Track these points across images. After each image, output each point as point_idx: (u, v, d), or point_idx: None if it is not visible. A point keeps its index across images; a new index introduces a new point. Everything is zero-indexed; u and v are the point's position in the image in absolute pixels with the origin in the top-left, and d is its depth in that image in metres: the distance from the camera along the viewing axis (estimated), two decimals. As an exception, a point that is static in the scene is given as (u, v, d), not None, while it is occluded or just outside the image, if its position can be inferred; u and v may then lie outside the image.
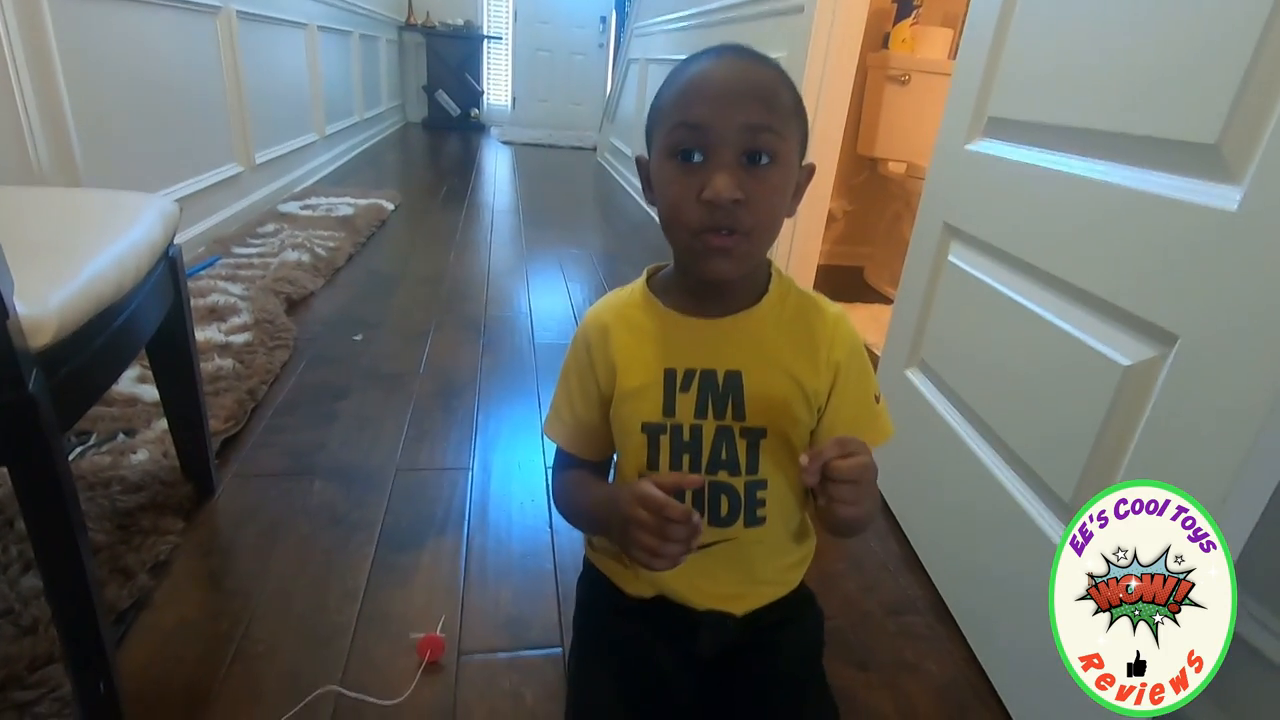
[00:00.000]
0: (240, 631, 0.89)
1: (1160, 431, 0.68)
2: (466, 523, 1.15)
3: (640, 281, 0.62)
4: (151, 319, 0.87)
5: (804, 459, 0.47)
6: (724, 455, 0.58)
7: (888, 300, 2.57)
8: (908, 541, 1.18)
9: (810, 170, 0.57)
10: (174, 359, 1.02)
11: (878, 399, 0.61)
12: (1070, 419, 0.79)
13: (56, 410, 0.62)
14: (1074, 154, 0.84)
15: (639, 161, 0.58)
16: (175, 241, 0.96)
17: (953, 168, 1.11)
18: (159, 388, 1.07)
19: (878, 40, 2.61)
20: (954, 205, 1.10)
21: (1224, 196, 0.61)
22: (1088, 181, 0.79)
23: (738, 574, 0.63)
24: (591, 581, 0.72)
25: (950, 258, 1.10)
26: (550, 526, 1.15)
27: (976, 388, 1.02)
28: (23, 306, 0.59)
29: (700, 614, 0.64)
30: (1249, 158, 0.59)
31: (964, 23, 2.91)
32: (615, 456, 0.65)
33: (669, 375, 0.58)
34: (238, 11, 2.63)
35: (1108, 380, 0.73)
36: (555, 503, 0.69)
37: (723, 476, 0.58)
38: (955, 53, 2.57)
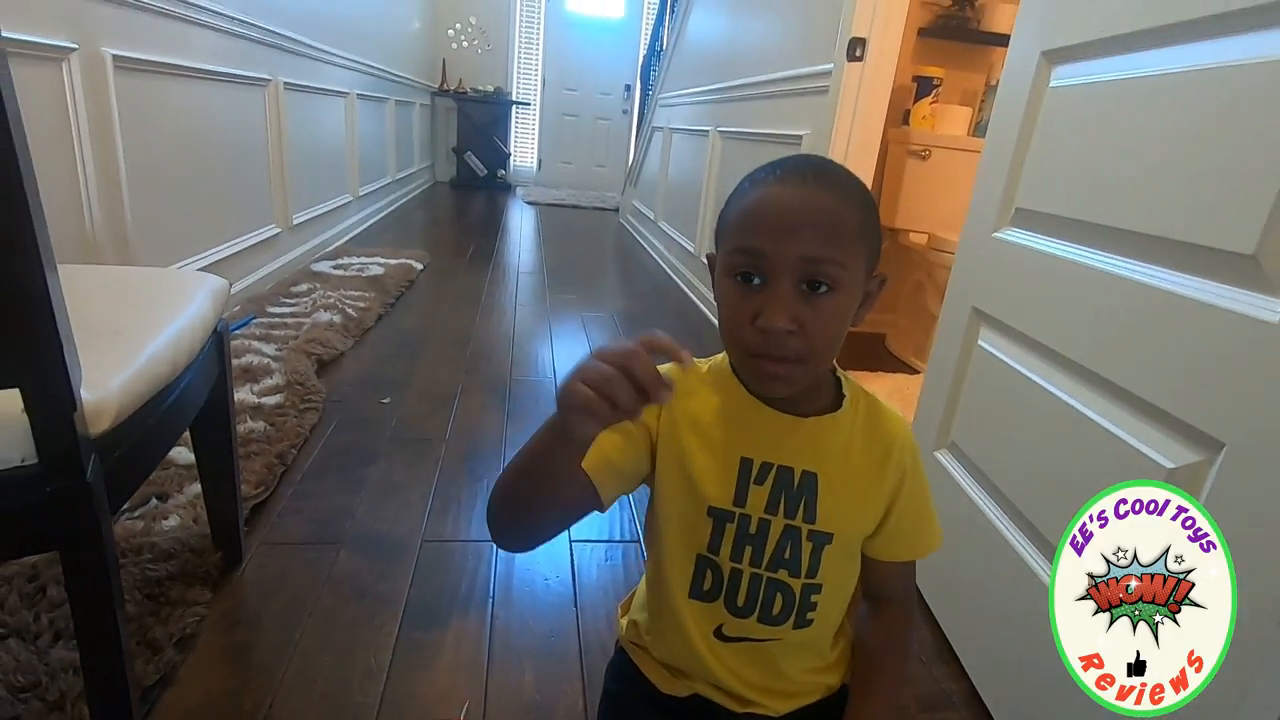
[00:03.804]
0: (264, 711, 0.88)
1: (1208, 538, 0.66)
2: (491, 599, 1.13)
3: (723, 357, 0.59)
4: (200, 394, 0.89)
5: None
6: (787, 554, 0.56)
7: (911, 369, 2.56)
8: (941, 631, 1.15)
9: (881, 280, 0.54)
10: (214, 427, 1.04)
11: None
12: (1112, 517, 0.78)
13: (109, 493, 0.64)
14: (1108, 251, 0.84)
15: (709, 259, 0.58)
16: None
17: (981, 254, 1.12)
18: (196, 455, 1.09)
19: (899, 117, 2.68)
20: (983, 291, 1.11)
21: (1264, 307, 0.62)
22: (1123, 280, 0.80)
23: (761, 672, 0.61)
24: (622, 669, 0.70)
25: (980, 343, 1.10)
26: (575, 605, 1.14)
27: (1010, 474, 1.01)
28: (86, 393, 0.61)
29: (738, 717, 0.62)
30: (1289, 271, 0.60)
31: (983, 101, 2.94)
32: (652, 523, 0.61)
33: (745, 464, 0.56)
34: (285, 83, 2.77)
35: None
36: (493, 492, 0.54)
37: (782, 575, 0.57)
38: (974, 129, 2.64)
